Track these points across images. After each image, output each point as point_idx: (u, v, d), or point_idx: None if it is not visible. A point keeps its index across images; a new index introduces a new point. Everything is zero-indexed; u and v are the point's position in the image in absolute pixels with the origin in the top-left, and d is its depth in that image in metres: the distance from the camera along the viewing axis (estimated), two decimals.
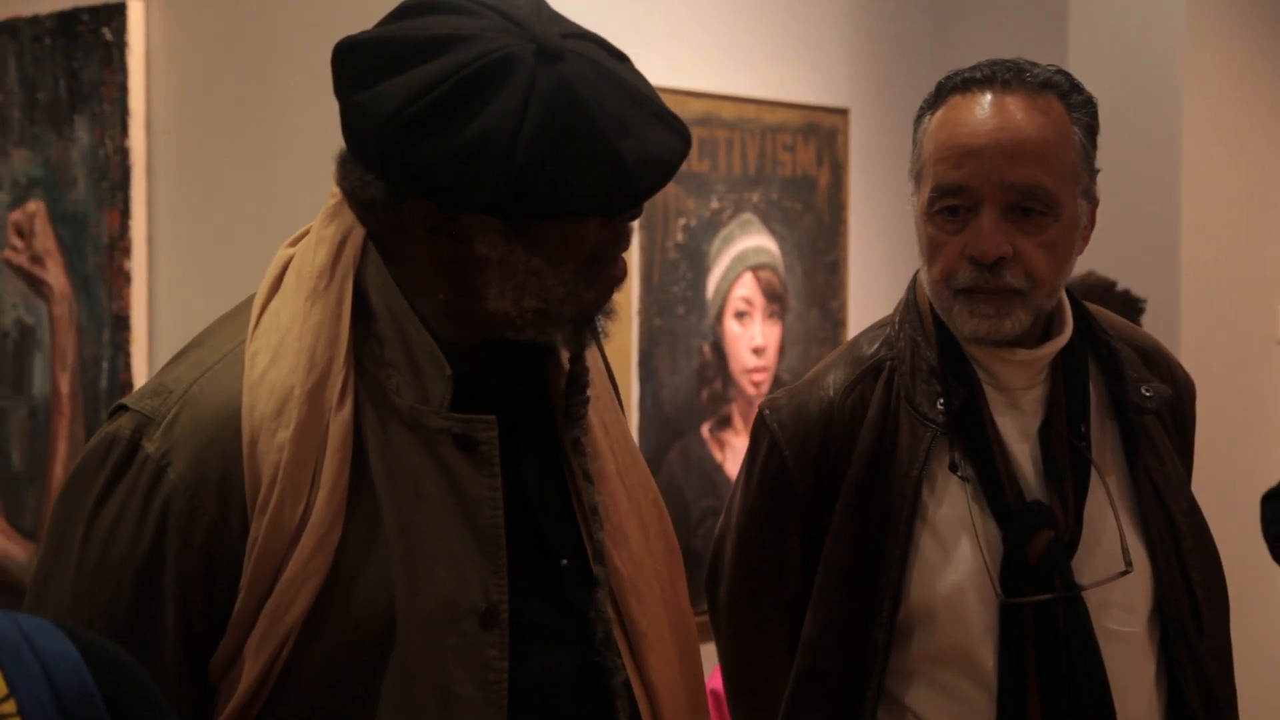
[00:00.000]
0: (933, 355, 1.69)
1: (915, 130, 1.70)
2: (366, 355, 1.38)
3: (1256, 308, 3.92)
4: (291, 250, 1.46)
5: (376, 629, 1.33)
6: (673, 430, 3.16)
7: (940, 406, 1.66)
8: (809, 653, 1.69)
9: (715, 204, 3.25)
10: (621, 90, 1.33)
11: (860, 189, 3.56)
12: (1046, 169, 1.62)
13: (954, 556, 1.66)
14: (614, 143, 1.30)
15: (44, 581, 1.36)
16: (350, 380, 1.36)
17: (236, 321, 1.43)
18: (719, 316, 3.26)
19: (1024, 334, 1.66)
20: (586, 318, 1.40)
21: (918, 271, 1.75)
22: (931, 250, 1.66)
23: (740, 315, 3.31)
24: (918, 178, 1.68)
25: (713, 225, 3.24)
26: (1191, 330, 3.61)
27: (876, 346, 1.74)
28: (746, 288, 3.31)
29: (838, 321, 3.52)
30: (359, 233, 1.40)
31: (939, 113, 1.67)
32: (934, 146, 1.65)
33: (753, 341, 3.32)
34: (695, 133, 3.19)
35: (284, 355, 1.37)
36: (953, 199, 1.63)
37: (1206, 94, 3.65)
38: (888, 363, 1.71)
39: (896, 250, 3.70)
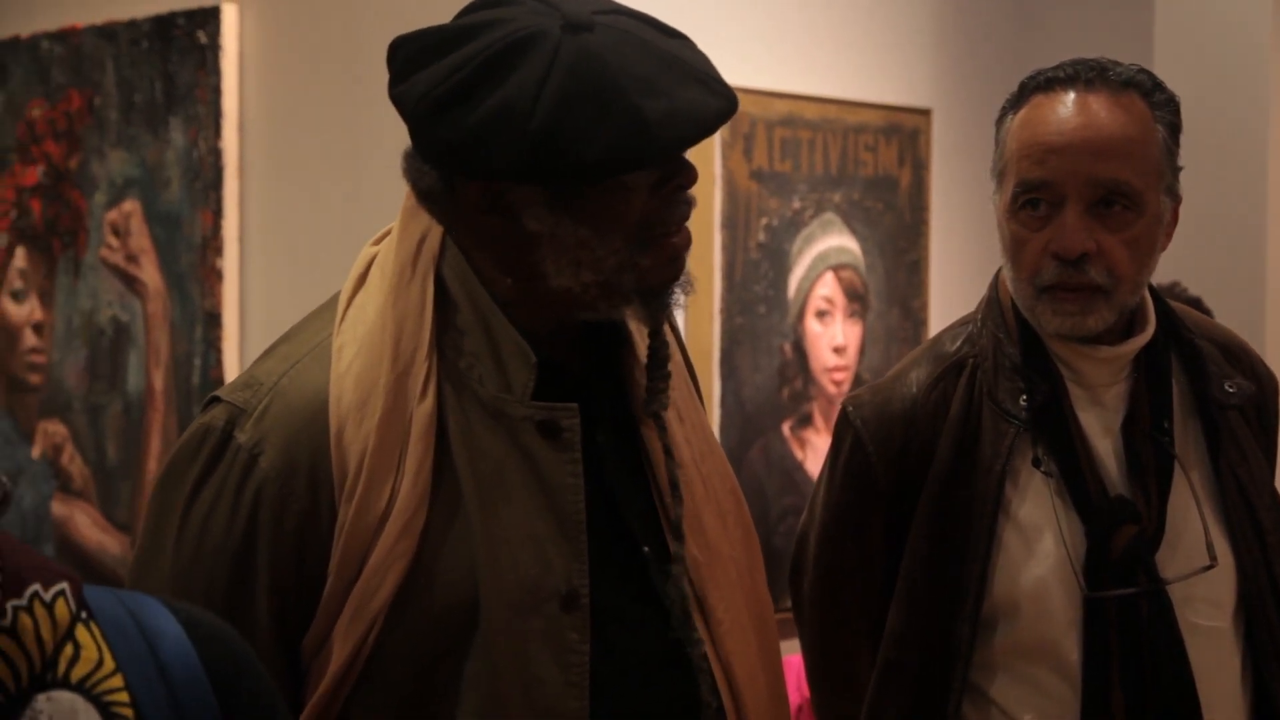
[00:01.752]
0: (1015, 352, 1.69)
1: (998, 130, 1.71)
2: (449, 346, 1.41)
3: None
4: (375, 248, 1.50)
5: (460, 613, 1.36)
6: (754, 428, 3.18)
7: (1023, 402, 1.67)
8: (893, 645, 1.71)
9: (797, 204, 3.26)
10: (653, 54, 1.35)
11: (942, 189, 3.55)
12: (1130, 165, 1.63)
13: (1037, 551, 1.67)
14: (634, 100, 1.31)
15: (141, 570, 1.40)
16: (434, 371, 1.40)
17: (324, 316, 1.48)
18: (800, 315, 3.28)
19: (1107, 330, 1.67)
20: (652, 289, 1.41)
21: (1000, 269, 1.75)
22: (1015, 248, 1.67)
23: (821, 314, 3.31)
24: (1000, 176, 1.69)
25: (794, 225, 3.25)
26: (1276, 335, 3.56)
27: (959, 344, 1.75)
28: (828, 287, 3.32)
29: (919, 321, 3.52)
30: (438, 229, 1.44)
31: (1022, 111, 1.68)
32: (1017, 145, 1.66)
33: (834, 341, 3.33)
34: (777, 133, 3.21)
35: (369, 348, 1.41)
36: (1036, 194, 1.64)
37: None
38: (970, 360, 1.72)
39: (978, 250, 3.69)
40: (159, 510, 1.40)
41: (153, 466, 3.41)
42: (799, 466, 3.28)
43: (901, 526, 1.72)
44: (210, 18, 3.24)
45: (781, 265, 3.24)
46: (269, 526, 1.37)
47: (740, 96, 1.41)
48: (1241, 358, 1.80)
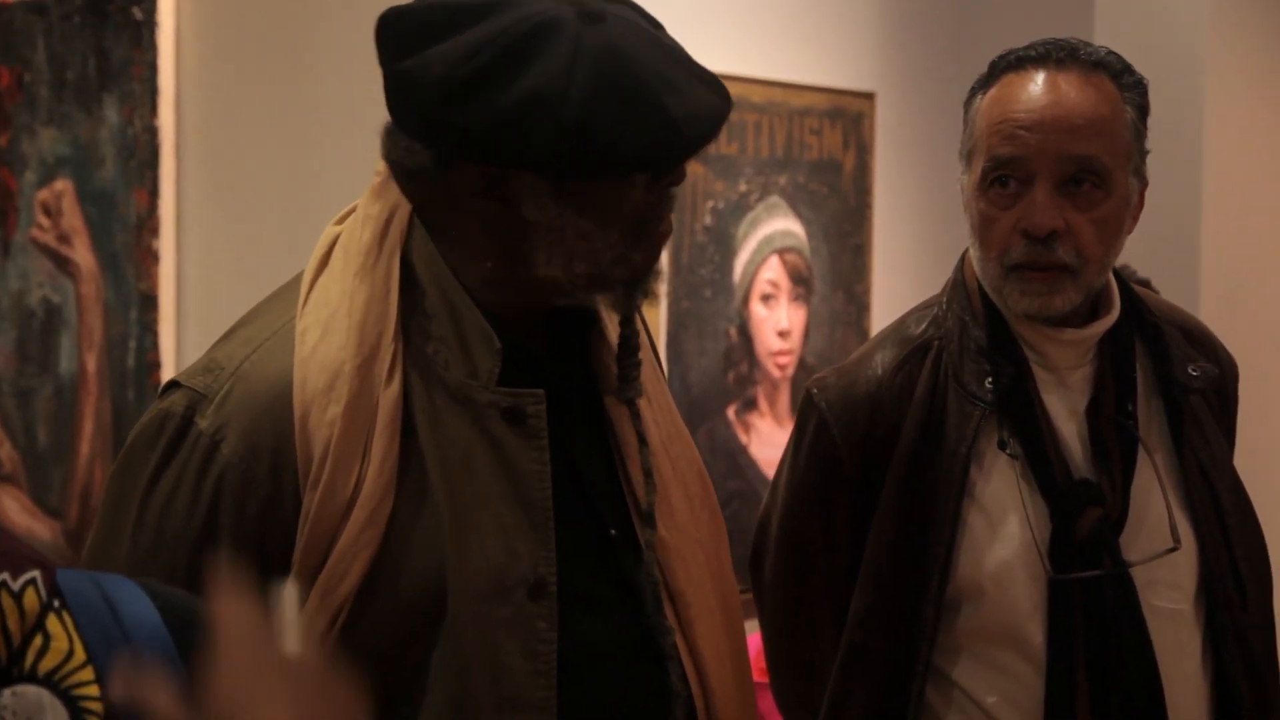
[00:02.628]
0: (981, 334, 1.69)
1: (967, 110, 1.71)
2: (415, 330, 1.39)
3: (1276, 299, 3.91)
4: (338, 228, 1.47)
5: (427, 601, 1.34)
6: (699, 413, 3.17)
7: (989, 385, 1.67)
8: (858, 628, 1.71)
9: (743, 186, 3.25)
10: (663, 51, 1.35)
11: (885, 173, 3.56)
12: (1100, 143, 1.63)
13: (1002, 533, 1.67)
14: (662, 99, 1.31)
15: (97, 558, 1.37)
16: (399, 355, 1.38)
17: (286, 299, 1.44)
18: (745, 299, 3.27)
19: (1072, 313, 1.67)
20: (636, 280, 1.41)
21: (966, 251, 1.75)
22: (983, 227, 1.66)
23: (766, 298, 3.31)
24: (969, 156, 1.69)
25: (740, 208, 3.24)
26: (1211, 322, 3.60)
27: (924, 326, 1.75)
28: (773, 271, 3.32)
29: (862, 305, 3.52)
30: (405, 209, 1.41)
31: (992, 90, 1.67)
32: (987, 123, 1.66)
33: (778, 324, 3.33)
34: None
35: (334, 331, 1.38)
36: (1005, 171, 1.64)
37: (1229, 86, 3.64)
38: (935, 342, 1.72)
39: (921, 234, 3.70)
40: (116, 497, 1.37)
41: (85, 450, 3.35)
42: (743, 450, 3.28)
43: (867, 509, 1.72)
44: None
45: (727, 249, 3.23)
46: (231, 514, 1.34)
47: None
48: (1204, 342, 1.82)
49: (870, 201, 3.53)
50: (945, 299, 1.76)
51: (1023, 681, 1.66)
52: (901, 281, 3.61)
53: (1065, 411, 1.69)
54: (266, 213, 3.09)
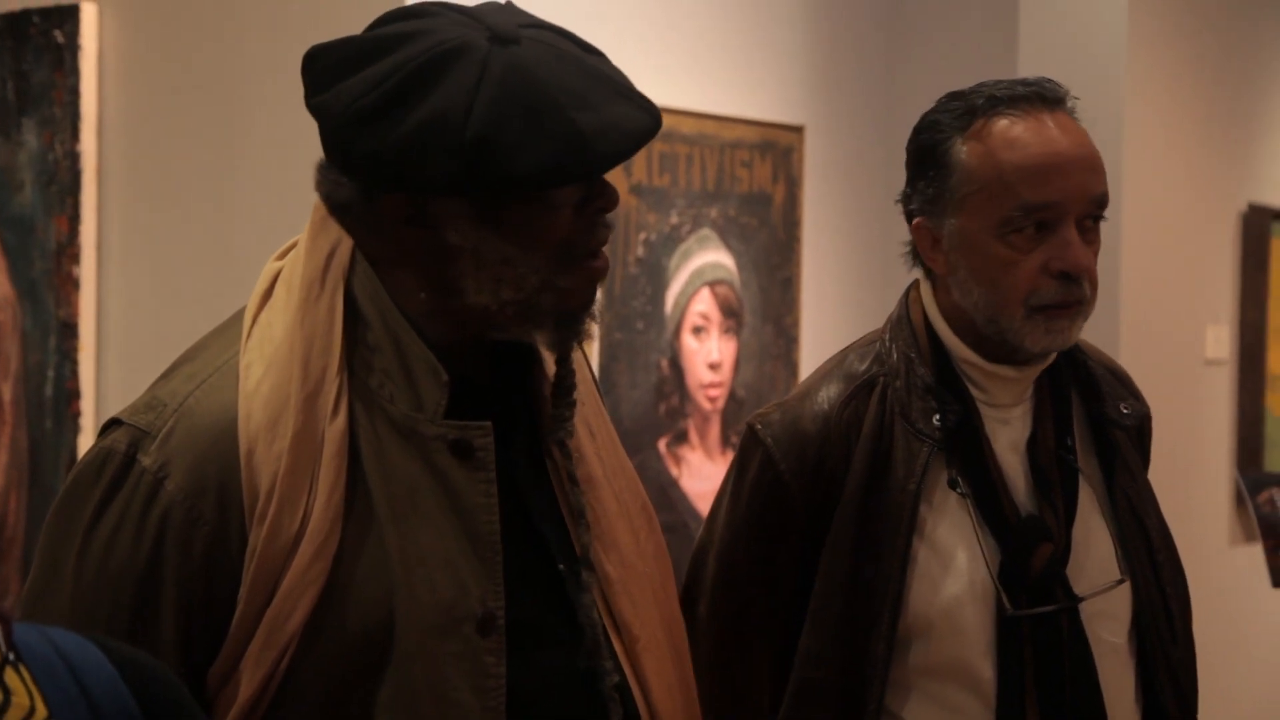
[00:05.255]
0: (927, 372, 1.70)
1: (938, 154, 1.67)
2: (359, 364, 1.37)
3: (1187, 330, 3.98)
4: (280, 263, 1.45)
5: (375, 636, 1.32)
6: (631, 445, 3.16)
7: (936, 422, 1.68)
8: (807, 665, 1.70)
9: (675, 219, 3.25)
10: (581, 69, 1.34)
11: (814, 206, 3.58)
12: (1105, 179, 1.68)
13: (952, 569, 1.68)
14: (568, 113, 1.30)
15: (39, 597, 1.34)
16: (344, 389, 1.36)
17: (228, 334, 1.42)
18: (677, 331, 3.27)
19: (1014, 350, 1.69)
20: (568, 312, 1.39)
21: (911, 288, 1.76)
22: (1000, 270, 1.64)
23: (697, 330, 3.31)
24: (964, 200, 1.66)
25: (672, 240, 3.24)
26: (1128, 351, 3.66)
27: (869, 363, 1.74)
28: (704, 303, 3.32)
29: (791, 338, 3.54)
30: (347, 243, 1.40)
31: (988, 133, 1.65)
32: (1004, 168, 1.63)
33: (709, 357, 3.33)
34: (656, 148, 3.19)
35: (278, 366, 1.36)
36: (1041, 215, 1.63)
37: (1146, 129, 3.71)
38: (881, 378, 1.72)
39: (849, 267, 3.72)
40: (57, 537, 1.34)
41: (0, 481, 3.27)
42: (674, 483, 3.27)
43: (813, 545, 1.71)
44: (68, 16, 3.11)
45: (659, 280, 3.22)
46: (176, 551, 1.32)
47: None
48: (1127, 383, 1.86)
49: (799, 234, 3.54)
50: (888, 336, 1.76)
51: (972, 718, 1.67)
52: (830, 314, 3.63)
53: (1008, 447, 1.71)
54: (189, 240, 3.05)
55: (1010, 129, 1.65)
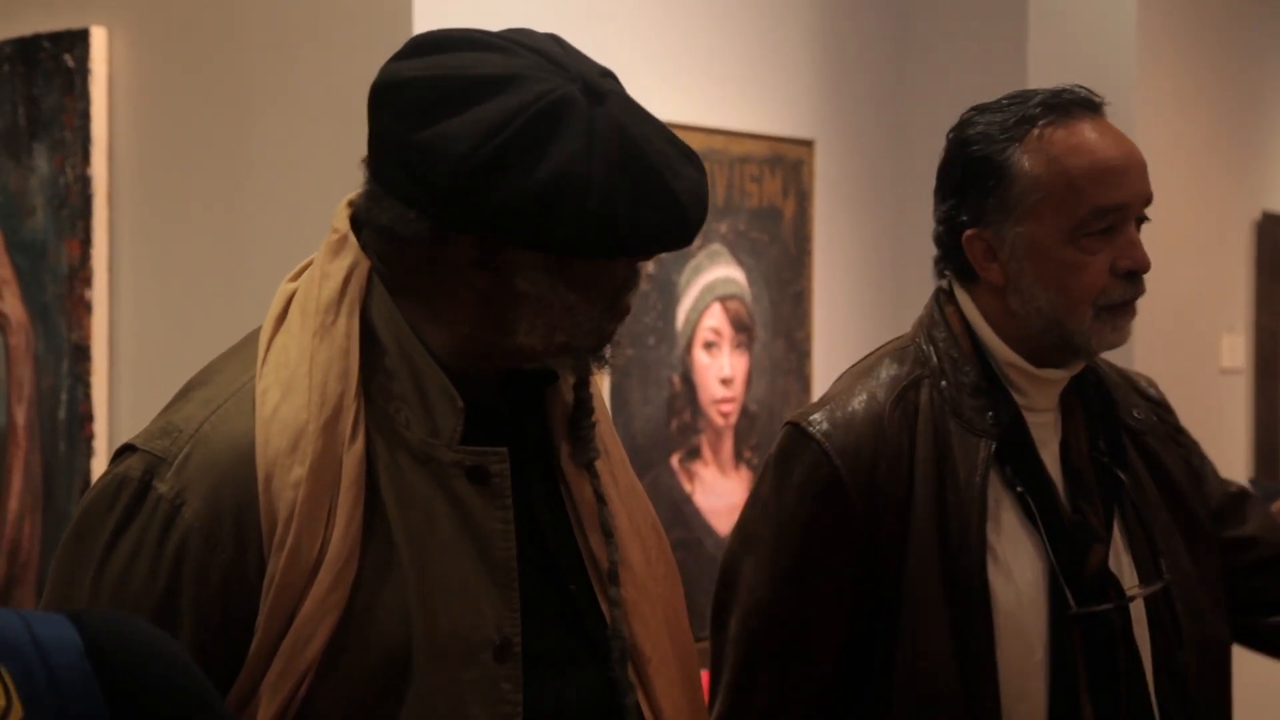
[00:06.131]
0: (974, 372, 1.72)
1: (992, 164, 1.69)
2: (376, 389, 1.37)
3: (1203, 339, 3.97)
4: (294, 285, 1.44)
5: (393, 664, 1.32)
6: (643, 462, 3.15)
7: (990, 419, 1.70)
8: (923, 680, 1.66)
9: None
10: (658, 130, 1.36)
11: (825, 220, 3.58)
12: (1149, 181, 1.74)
13: (1017, 568, 1.69)
14: (667, 180, 1.33)
15: None
16: (361, 414, 1.36)
17: (242, 358, 1.42)
18: (688, 347, 3.26)
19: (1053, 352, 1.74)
20: (601, 348, 1.43)
21: (939, 296, 1.78)
22: (1071, 273, 1.68)
23: (709, 346, 3.31)
24: (1031, 209, 1.68)
25: (682, 255, 3.24)
26: (1144, 360, 3.65)
27: (909, 365, 1.75)
28: (715, 318, 3.31)
29: (803, 352, 3.53)
30: (364, 266, 1.40)
31: (1050, 141, 1.68)
32: (1074, 172, 1.67)
33: (721, 372, 3.32)
34: None
35: (295, 391, 1.36)
36: (1112, 218, 1.68)
37: (1157, 140, 3.70)
38: (925, 379, 1.73)
39: (861, 280, 3.72)
40: (70, 564, 1.34)
41: (14, 506, 3.27)
42: (688, 500, 3.26)
43: (869, 548, 1.68)
44: (78, 40, 3.12)
45: (670, 296, 3.22)
46: (193, 580, 1.31)
47: None
48: (1139, 389, 1.89)
49: (810, 248, 3.54)
50: (922, 339, 1.76)
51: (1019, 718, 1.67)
52: (842, 328, 3.62)
53: (1047, 453, 1.73)
54: (200, 263, 3.05)
55: (1070, 136, 1.69)
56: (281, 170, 2.94)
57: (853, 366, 1.82)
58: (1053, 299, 1.69)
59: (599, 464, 1.48)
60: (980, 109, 1.74)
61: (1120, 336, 1.70)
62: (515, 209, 1.29)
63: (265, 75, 2.97)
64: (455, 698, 1.33)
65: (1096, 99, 1.73)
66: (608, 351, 1.44)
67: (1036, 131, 1.68)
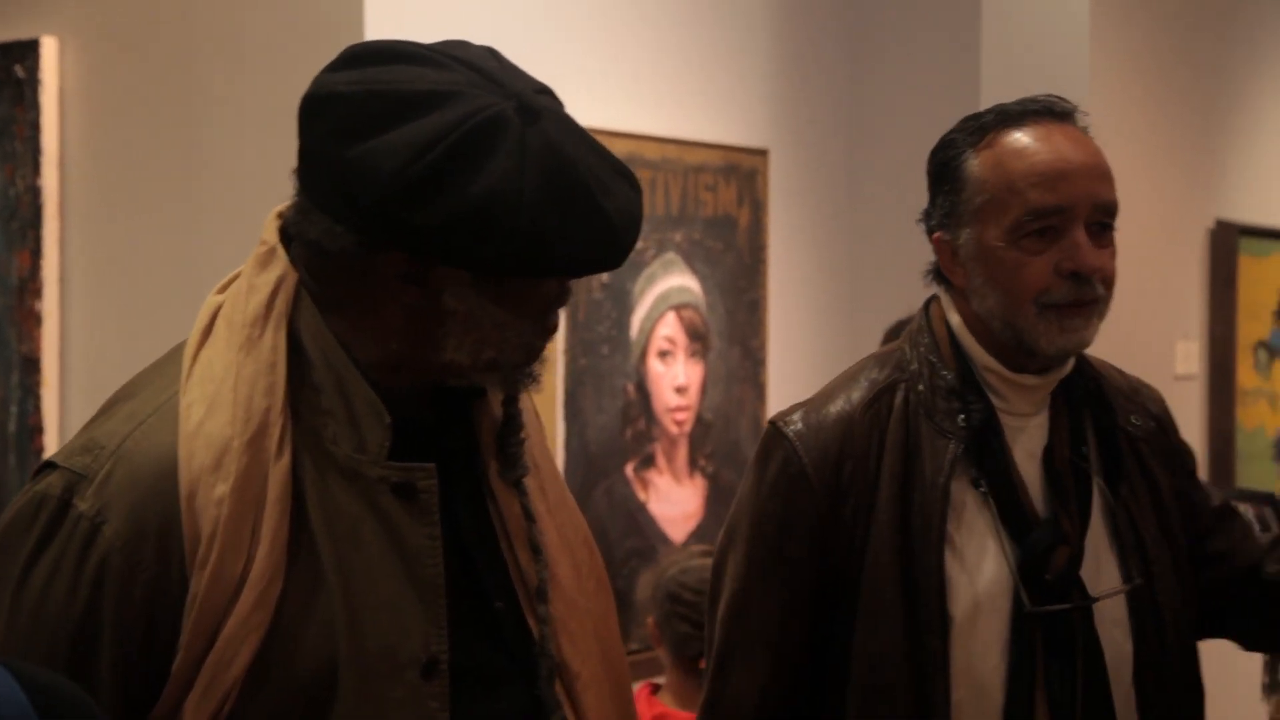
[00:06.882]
0: (951, 375, 1.75)
1: (950, 169, 1.75)
2: (303, 404, 1.36)
3: (1157, 345, 3.99)
4: (220, 297, 1.43)
5: (319, 682, 1.31)
6: (598, 470, 3.15)
7: (960, 421, 1.73)
8: (875, 670, 1.70)
9: (639, 243, 3.25)
10: (592, 148, 1.36)
11: (779, 228, 3.58)
12: (1113, 188, 1.74)
13: (975, 567, 1.71)
14: (599, 200, 1.32)
15: None
16: (288, 430, 1.35)
17: (167, 372, 1.40)
18: (643, 356, 3.26)
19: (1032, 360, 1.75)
20: (529, 365, 1.42)
21: (930, 302, 1.81)
22: (1012, 271, 1.70)
23: (664, 354, 3.31)
24: (978, 211, 1.72)
25: (637, 265, 3.24)
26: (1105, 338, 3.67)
27: (889, 370, 1.79)
28: (669, 327, 3.32)
29: (758, 360, 3.53)
30: (291, 279, 1.39)
31: (998, 145, 1.72)
32: (1013, 175, 1.70)
33: (675, 380, 3.33)
34: None
35: (220, 406, 1.34)
36: (1049, 220, 1.69)
37: (1111, 148, 3.70)
38: (902, 384, 1.77)
39: (815, 289, 3.72)
40: None
41: None
42: (642, 508, 3.26)
43: (830, 544, 1.73)
44: (29, 51, 3.11)
45: (624, 305, 3.22)
46: (114, 599, 1.30)
47: None
48: (1141, 396, 1.90)
49: (765, 257, 3.54)
50: (908, 345, 1.80)
51: (975, 717, 1.69)
52: (797, 336, 3.63)
53: (1025, 454, 1.75)
54: (152, 274, 3.03)
55: (1018, 140, 1.72)
56: (233, 180, 2.93)
57: (845, 370, 1.87)
58: (999, 298, 1.72)
59: (528, 480, 1.48)
60: (967, 118, 1.79)
61: (1071, 339, 1.70)
62: (444, 228, 1.28)
63: (217, 85, 2.96)
64: (381, 715, 1.32)
65: (1060, 107, 1.75)
66: (537, 369, 1.43)
67: (990, 136, 1.73)
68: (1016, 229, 1.69)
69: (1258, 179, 4.51)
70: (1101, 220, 1.72)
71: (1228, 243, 4.28)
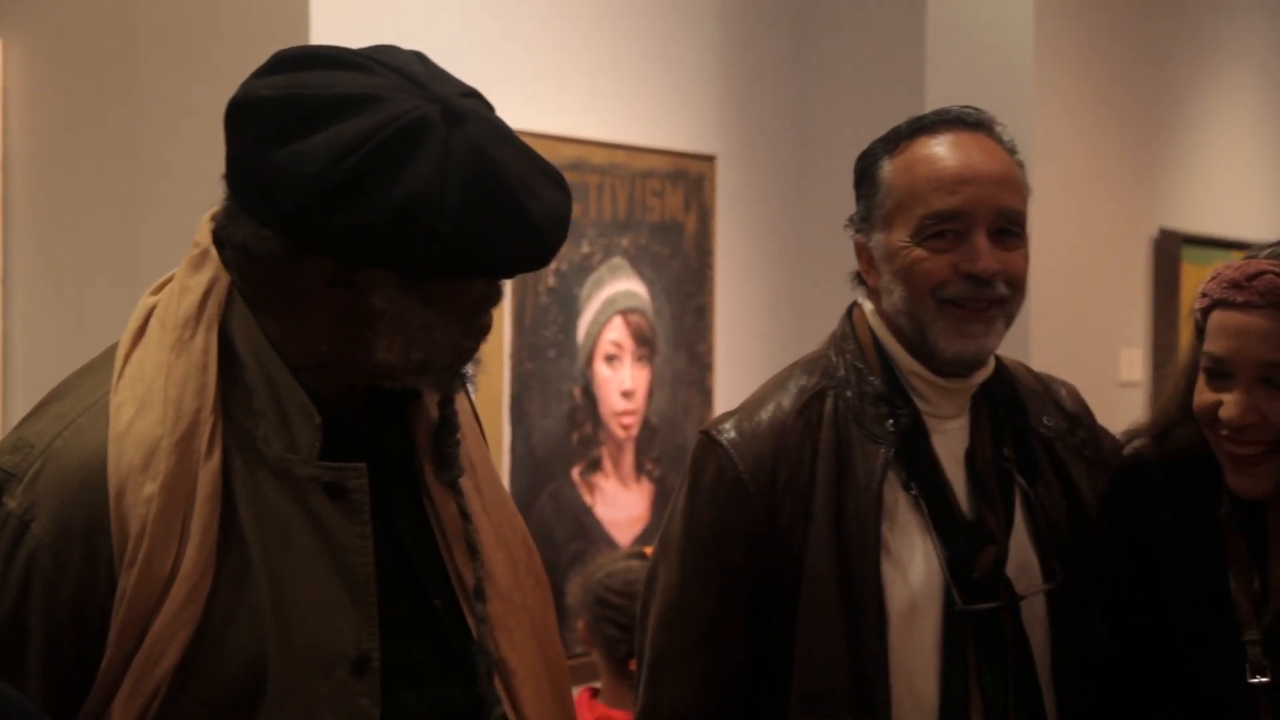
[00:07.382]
0: (878, 381, 1.78)
1: (869, 175, 1.79)
2: (234, 404, 1.37)
3: (1102, 353, 4.04)
4: (154, 299, 1.44)
5: (248, 680, 1.32)
6: (544, 473, 3.16)
7: (890, 426, 1.76)
8: (816, 676, 1.72)
9: (586, 248, 3.26)
10: (518, 151, 1.37)
11: (726, 234, 3.61)
12: (1019, 195, 1.79)
13: (907, 568, 1.74)
14: (523, 202, 1.34)
15: None
16: (218, 429, 1.36)
17: (99, 373, 1.41)
18: (589, 360, 3.28)
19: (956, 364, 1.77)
20: (460, 366, 1.43)
21: (853, 306, 1.84)
22: (914, 266, 1.74)
23: (610, 359, 3.32)
24: (888, 215, 1.77)
25: (584, 269, 3.26)
26: (1040, 346, 3.70)
27: (817, 377, 1.82)
28: (616, 331, 3.33)
29: (704, 365, 3.55)
30: (224, 281, 1.40)
31: (906, 153, 1.77)
32: (918, 180, 1.75)
33: (622, 385, 3.34)
34: (567, 177, 3.20)
35: (150, 406, 1.36)
36: (948, 224, 1.73)
37: (1055, 158, 3.76)
38: (830, 390, 1.80)
39: (762, 294, 3.75)
40: None
41: None
42: (588, 511, 3.28)
43: (767, 551, 1.75)
44: None
45: (571, 309, 3.23)
46: (42, 597, 1.30)
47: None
48: (1054, 395, 1.92)
49: (712, 262, 3.57)
50: (833, 352, 1.83)
51: (911, 716, 1.72)
52: (744, 341, 3.65)
53: (949, 456, 1.79)
54: (95, 274, 3.02)
55: (925, 147, 1.77)
56: (177, 183, 2.92)
57: (771, 379, 1.88)
58: (902, 293, 1.76)
59: (464, 480, 1.49)
60: (893, 129, 1.83)
61: (969, 345, 1.74)
62: (366, 230, 1.29)
63: (162, 87, 2.96)
64: (310, 713, 1.33)
65: (973, 117, 1.79)
66: (470, 369, 1.45)
67: (904, 144, 1.78)
68: (919, 231, 1.74)
69: (1201, 188, 4.57)
70: (1005, 226, 1.75)
71: (1171, 251, 4.33)
